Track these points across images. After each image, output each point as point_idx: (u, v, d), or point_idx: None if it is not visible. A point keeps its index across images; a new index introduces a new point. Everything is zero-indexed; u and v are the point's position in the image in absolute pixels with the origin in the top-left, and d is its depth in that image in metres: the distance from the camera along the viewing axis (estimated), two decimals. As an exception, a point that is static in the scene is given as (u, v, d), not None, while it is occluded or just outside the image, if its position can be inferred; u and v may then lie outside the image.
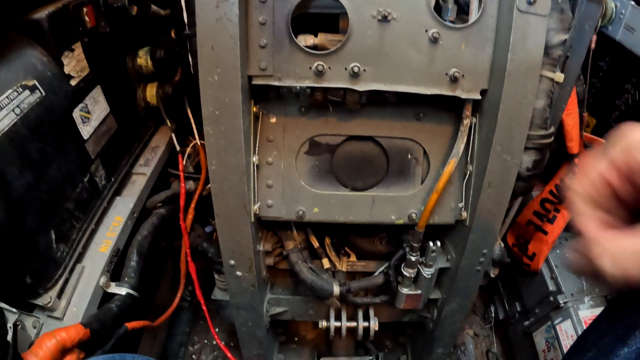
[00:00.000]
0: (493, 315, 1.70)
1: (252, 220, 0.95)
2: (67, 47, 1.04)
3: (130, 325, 1.05)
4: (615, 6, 1.25)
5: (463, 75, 0.88)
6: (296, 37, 0.84)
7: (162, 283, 1.59)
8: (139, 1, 1.13)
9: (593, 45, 1.17)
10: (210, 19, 0.77)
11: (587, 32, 1.01)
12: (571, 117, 1.20)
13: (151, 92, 1.29)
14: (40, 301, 0.97)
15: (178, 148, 1.25)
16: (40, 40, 0.98)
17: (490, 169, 0.92)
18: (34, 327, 0.97)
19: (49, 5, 0.98)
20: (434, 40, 0.85)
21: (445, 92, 0.89)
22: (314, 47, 0.87)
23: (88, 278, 1.06)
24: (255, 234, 1.00)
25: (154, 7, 1.17)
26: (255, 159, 0.93)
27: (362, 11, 0.82)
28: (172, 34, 1.22)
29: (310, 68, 0.85)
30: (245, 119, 0.86)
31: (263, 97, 0.94)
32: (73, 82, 1.06)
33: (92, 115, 1.13)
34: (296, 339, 1.57)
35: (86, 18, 1.07)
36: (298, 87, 0.91)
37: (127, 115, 1.28)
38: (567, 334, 1.35)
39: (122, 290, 1.07)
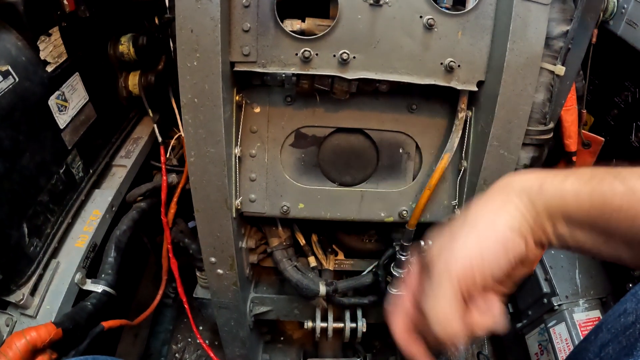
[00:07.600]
0: (485, 316, 1.66)
1: (234, 215, 0.91)
2: (43, 32, 0.99)
3: (107, 324, 1.01)
4: (617, 0, 1.21)
5: (459, 65, 0.84)
6: (282, 21, 0.80)
7: (145, 279, 1.54)
8: (120, -16, 1.08)
9: (594, 39, 1.14)
10: (190, 0, 0.72)
11: (589, 25, 0.98)
12: (570, 114, 1.16)
13: (133, 80, 1.24)
14: (12, 298, 0.93)
15: (160, 139, 1.20)
16: (14, 24, 0.93)
17: (486, 166, 0.88)
18: (7, 325, 0.94)
19: (25, -13, 0.94)
20: (429, 27, 0.81)
21: (440, 82, 0.85)
22: (301, 32, 0.82)
23: (63, 274, 1.01)
24: (238, 230, 0.96)
25: (136, -10, 1.12)
26: (237, 150, 0.89)
27: None
28: (156, 21, 1.16)
29: (297, 54, 0.80)
30: (227, 107, 0.81)
31: (246, 85, 0.89)
32: (49, 69, 1.01)
33: (69, 103, 1.08)
34: (282, 338, 1.53)
35: (65, 1, 1.02)
36: (283, 75, 0.87)
37: (108, 105, 1.23)
38: (561, 337, 1.31)
39: (99, 288, 1.02)
